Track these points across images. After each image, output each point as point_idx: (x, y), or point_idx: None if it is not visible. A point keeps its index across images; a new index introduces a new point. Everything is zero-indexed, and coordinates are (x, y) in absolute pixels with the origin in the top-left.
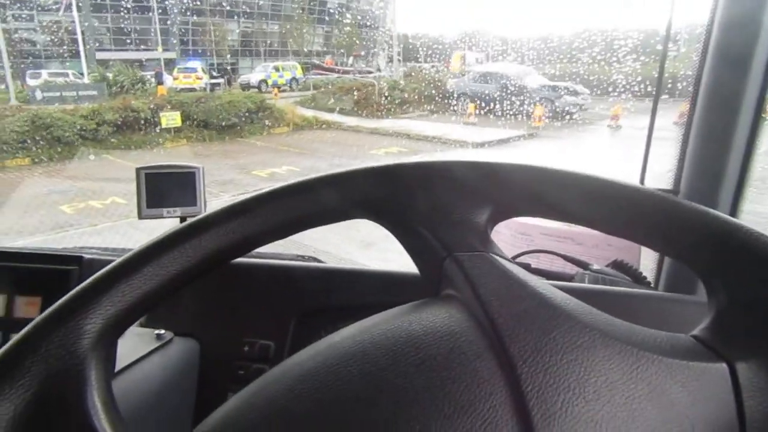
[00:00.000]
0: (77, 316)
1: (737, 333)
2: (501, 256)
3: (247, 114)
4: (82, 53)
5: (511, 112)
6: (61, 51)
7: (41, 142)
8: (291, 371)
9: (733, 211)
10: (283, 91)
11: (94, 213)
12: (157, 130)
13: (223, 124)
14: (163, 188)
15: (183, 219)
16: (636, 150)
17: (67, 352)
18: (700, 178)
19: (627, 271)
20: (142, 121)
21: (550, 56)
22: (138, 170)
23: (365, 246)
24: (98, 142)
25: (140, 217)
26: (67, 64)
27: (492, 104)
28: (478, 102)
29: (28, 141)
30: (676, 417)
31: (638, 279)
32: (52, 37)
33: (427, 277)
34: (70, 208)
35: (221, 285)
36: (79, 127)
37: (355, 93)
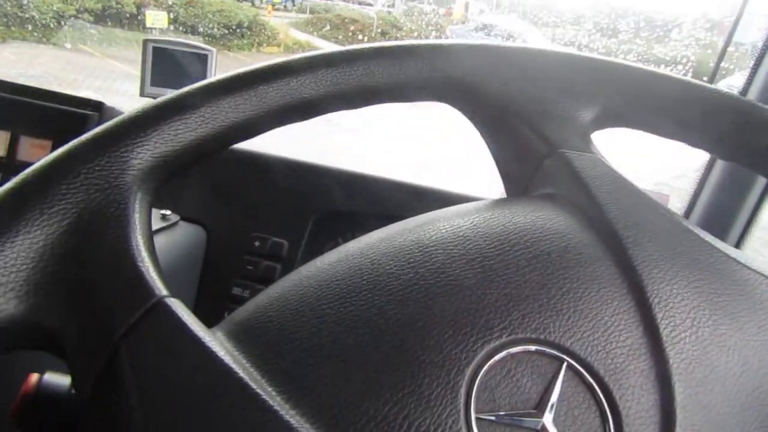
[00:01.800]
0: (123, 145)
1: None
2: (610, 163)
3: (237, 27)
4: None
5: None
6: None
7: (24, 22)
8: (377, 246)
9: None
10: (278, 9)
11: None
12: (141, 28)
13: (213, 33)
14: (172, 66)
15: None
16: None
17: (109, 184)
18: None
19: None
20: (126, 16)
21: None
22: (145, 42)
23: None
24: (76, 30)
25: (142, 94)
26: None
27: None
28: None
29: None
30: None
31: None
32: None
33: (515, 176)
34: None
35: (235, 174)
36: (56, 10)
37: (353, 24)
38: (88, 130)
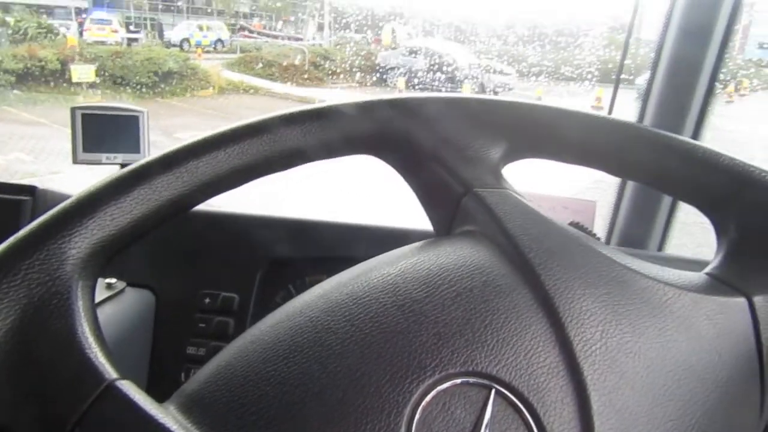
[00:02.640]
0: (60, 237)
1: (751, 267)
2: (520, 195)
3: (168, 73)
4: None
5: (440, 89)
6: None
7: None
8: (315, 303)
9: None
10: (208, 52)
11: None
12: (68, 85)
13: (143, 82)
14: (103, 131)
15: (124, 167)
16: None
17: (50, 276)
18: None
19: (582, 231)
20: (50, 74)
21: (480, 36)
22: (73, 109)
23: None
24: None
25: (75, 161)
26: None
27: (421, 79)
28: (408, 76)
29: None
30: (704, 348)
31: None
32: None
33: (437, 216)
34: None
35: (178, 234)
36: None
37: (285, 59)
38: (23, 215)
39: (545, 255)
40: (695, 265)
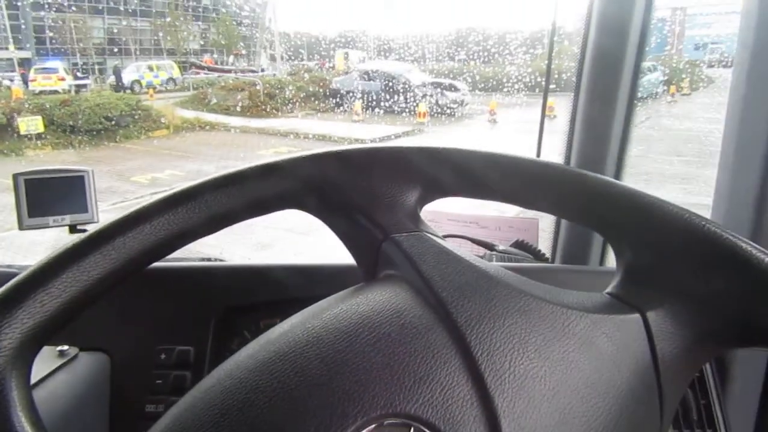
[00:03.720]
0: None
1: (645, 287)
2: (434, 235)
3: (121, 116)
4: None
5: (396, 109)
6: None
7: None
8: (244, 364)
9: None
10: (160, 92)
11: None
12: (16, 137)
13: (95, 128)
14: (48, 195)
15: (73, 227)
16: (511, 139)
17: None
18: (584, 165)
19: (528, 249)
20: None
21: (430, 54)
22: (15, 176)
23: (262, 248)
24: None
25: (21, 227)
26: None
27: (377, 101)
28: (364, 99)
29: None
30: (605, 364)
31: (538, 255)
32: None
33: (363, 261)
34: None
35: (126, 292)
36: None
37: (239, 93)
38: None
39: (457, 293)
40: None
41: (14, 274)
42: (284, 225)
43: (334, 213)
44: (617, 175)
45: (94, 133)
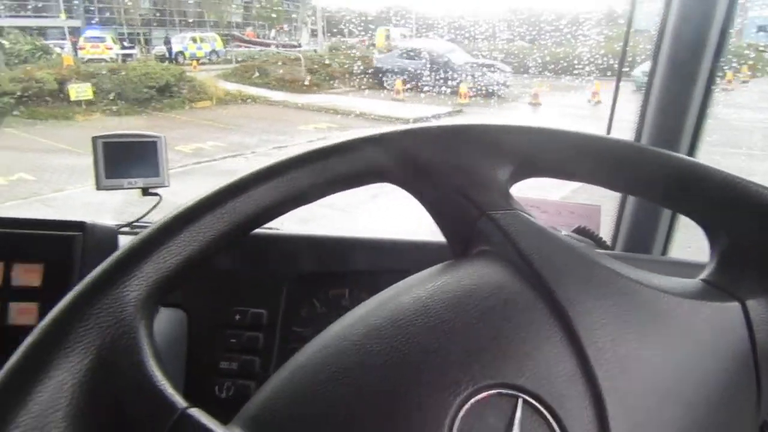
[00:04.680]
0: (121, 283)
1: (743, 274)
2: (529, 214)
3: (165, 86)
4: None
5: (437, 89)
6: None
7: None
8: (355, 327)
9: None
10: (203, 63)
11: None
12: (66, 103)
13: (141, 96)
14: (123, 158)
15: (145, 190)
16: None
17: (116, 319)
18: (657, 144)
19: (589, 235)
20: (48, 93)
21: (476, 34)
22: (94, 139)
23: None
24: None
25: (98, 187)
26: None
27: (418, 80)
28: (405, 78)
29: None
30: (702, 351)
31: (599, 243)
32: None
33: (455, 236)
34: None
35: None
36: None
37: (281, 67)
38: (75, 250)
39: (557, 272)
40: (697, 268)
41: (109, 229)
42: (323, 201)
43: (427, 188)
44: (692, 155)
45: (141, 101)
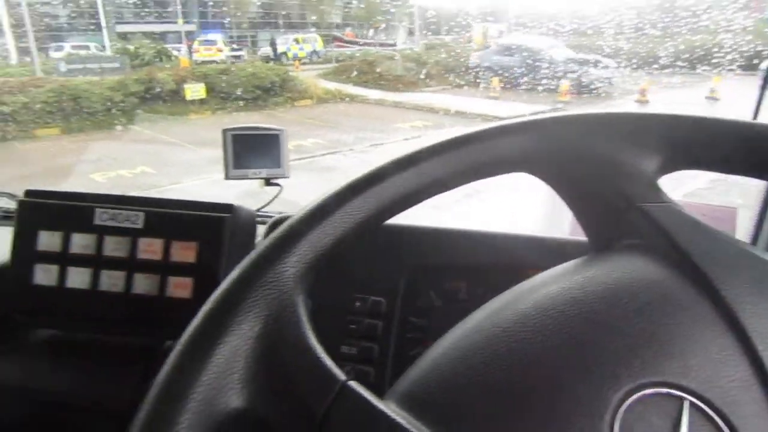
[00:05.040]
0: (282, 260)
1: None
2: (682, 208)
3: (270, 86)
4: (103, 26)
5: (535, 86)
6: (82, 24)
7: (79, 113)
8: (504, 314)
9: None
10: (304, 63)
11: (124, 182)
12: (182, 102)
13: (248, 95)
14: (249, 149)
15: (267, 181)
16: None
17: (280, 292)
18: None
19: None
20: (166, 93)
21: (576, 28)
22: (224, 131)
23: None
24: (125, 114)
25: (227, 177)
26: (88, 36)
27: (516, 78)
28: (502, 75)
29: (57, 111)
30: None
31: None
32: (73, 11)
33: (597, 229)
34: (101, 176)
35: None
36: (106, 99)
37: (378, 66)
38: (225, 229)
39: (721, 268)
40: None
41: (252, 213)
42: None
43: (568, 178)
44: None
45: (249, 100)
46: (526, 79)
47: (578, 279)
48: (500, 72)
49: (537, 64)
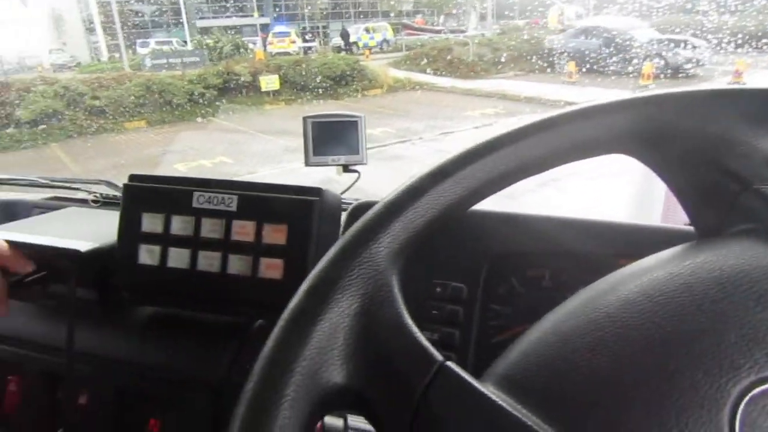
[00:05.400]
0: (376, 239)
1: None
2: None
3: (340, 76)
4: (185, 22)
5: (616, 70)
6: (165, 20)
7: (163, 106)
8: (605, 298)
9: None
10: (375, 52)
11: (204, 172)
12: (257, 93)
13: (320, 86)
14: (328, 136)
15: (346, 167)
16: None
17: (375, 271)
18: None
19: None
20: (243, 85)
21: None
22: (305, 119)
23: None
24: (205, 105)
25: (307, 164)
26: (171, 32)
27: (595, 62)
28: (579, 59)
29: (143, 105)
30: None
31: None
32: (157, 8)
33: (707, 213)
34: (183, 166)
35: None
36: (187, 92)
37: (449, 53)
38: (314, 212)
39: None
40: None
41: (337, 196)
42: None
43: (672, 160)
44: None
45: (320, 90)
46: (605, 63)
47: (688, 265)
48: (577, 56)
49: (619, 46)
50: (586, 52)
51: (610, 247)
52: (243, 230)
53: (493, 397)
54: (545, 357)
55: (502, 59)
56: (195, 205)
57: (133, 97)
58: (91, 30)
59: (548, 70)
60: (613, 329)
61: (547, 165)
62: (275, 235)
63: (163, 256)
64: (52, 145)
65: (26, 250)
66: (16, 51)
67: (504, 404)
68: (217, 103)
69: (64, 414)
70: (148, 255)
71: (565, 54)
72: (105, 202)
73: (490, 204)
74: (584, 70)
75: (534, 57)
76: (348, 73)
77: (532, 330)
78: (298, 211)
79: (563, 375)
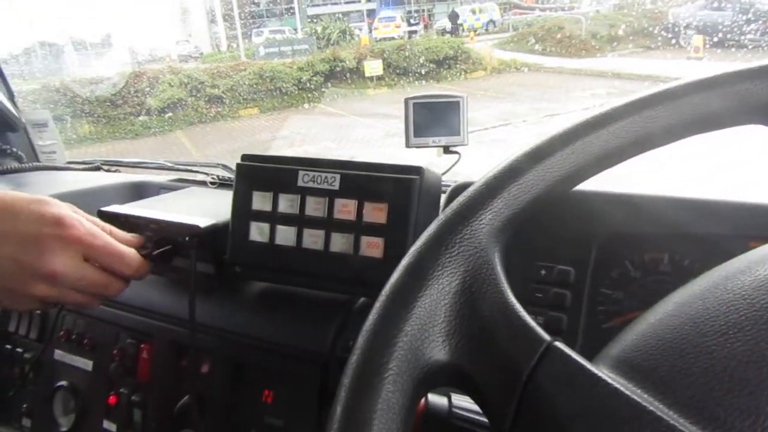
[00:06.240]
0: (478, 215)
1: None
2: None
3: (444, 59)
4: (296, 10)
5: (753, 38)
6: (279, 9)
7: (274, 93)
8: (738, 279)
9: None
10: (480, 34)
11: (310, 156)
12: (361, 79)
13: (421, 70)
14: (429, 117)
15: (446, 149)
16: None
17: (476, 248)
18: None
19: None
20: (348, 71)
21: None
22: (406, 100)
23: None
24: (312, 90)
25: (408, 145)
26: (284, 21)
27: (725, 35)
28: (710, 31)
29: (256, 92)
30: None
31: None
32: None
33: None
34: (290, 152)
35: None
36: (296, 78)
37: (559, 32)
38: (414, 192)
39: None
40: None
41: (469, 184)
42: None
43: None
44: None
45: (422, 74)
46: (741, 31)
47: None
48: (708, 28)
49: (759, 12)
50: (719, 20)
51: (739, 229)
52: (345, 209)
53: (608, 379)
54: (669, 340)
55: (618, 36)
56: (300, 183)
57: (247, 85)
58: (212, 21)
59: (672, 43)
60: (749, 312)
61: (674, 136)
62: (376, 213)
63: (272, 233)
64: (177, 131)
65: (154, 224)
66: (148, 43)
67: (621, 387)
68: (323, 89)
69: (189, 382)
70: (258, 232)
71: (692, 28)
72: (221, 184)
73: (593, 184)
74: (714, 41)
75: (654, 32)
76: (451, 56)
77: (650, 312)
78: (399, 190)
79: (692, 359)
